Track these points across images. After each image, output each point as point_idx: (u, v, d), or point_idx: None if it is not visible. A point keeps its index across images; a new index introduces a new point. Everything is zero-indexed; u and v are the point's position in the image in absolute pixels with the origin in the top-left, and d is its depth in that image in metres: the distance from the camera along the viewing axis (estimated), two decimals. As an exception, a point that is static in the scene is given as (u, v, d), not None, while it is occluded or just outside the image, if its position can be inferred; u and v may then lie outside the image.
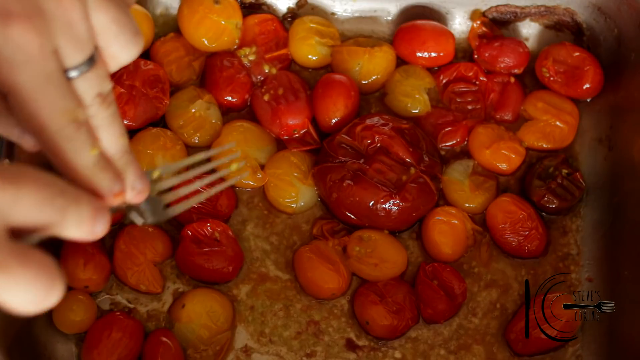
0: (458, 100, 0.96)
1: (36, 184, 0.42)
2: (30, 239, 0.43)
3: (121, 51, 0.49)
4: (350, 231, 0.90)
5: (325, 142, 0.91)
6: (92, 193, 0.48)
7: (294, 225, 0.92)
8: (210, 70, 0.96)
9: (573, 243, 0.92)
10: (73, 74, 0.46)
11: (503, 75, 0.97)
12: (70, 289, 0.84)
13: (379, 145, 0.89)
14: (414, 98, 0.95)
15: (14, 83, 0.44)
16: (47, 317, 0.84)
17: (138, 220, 0.76)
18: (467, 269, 0.90)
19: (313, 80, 0.97)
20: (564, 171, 0.92)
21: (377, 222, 0.88)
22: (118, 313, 0.86)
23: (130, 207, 0.67)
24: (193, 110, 0.93)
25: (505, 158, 0.93)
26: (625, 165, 0.91)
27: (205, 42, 0.95)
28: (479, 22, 0.98)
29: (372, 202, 0.87)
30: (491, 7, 1.00)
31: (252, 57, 0.96)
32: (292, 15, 1.01)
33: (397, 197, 0.87)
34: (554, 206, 0.91)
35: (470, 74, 0.97)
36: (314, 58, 0.98)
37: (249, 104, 0.96)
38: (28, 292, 0.40)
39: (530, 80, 0.99)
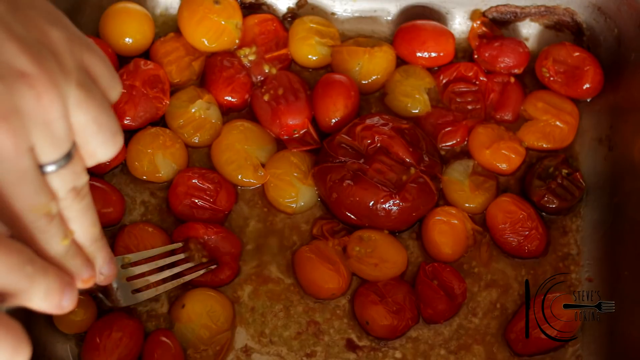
0: (458, 100, 0.96)
1: (8, 249, 0.42)
2: None
3: (99, 150, 0.49)
4: (350, 231, 0.90)
5: (325, 142, 0.91)
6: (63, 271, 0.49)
7: (294, 225, 0.92)
8: (210, 70, 0.96)
9: (573, 243, 0.92)
10: (49, 168, 0.46)
11: (503, 75, 0.97)
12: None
13: (379, 145, 0.89)
14: (414, 98, 0.95)
15: None
16: (47, 317, 0.84)
17: (106, 303, 0.81)
18: (467, 269, 0.90)
19: (313, 80, 0.97)
20: (564, 171, 0.92)
21: (377, 222, 0.88)
22: (118, 313, 0.85)
23: (99, 289, 0.70)
24: (193, 110, 0.93)
25: (505, 158, 0.93)
26: (625, 165, 0.91)
27: (205, 42, 0.95)
28: (479, 22, 0.98)
29: (372, 202, 0.87)
30: (491, 7, 1.00)
31: (252, 57, 0.96)
32: (292, 15, 1.01)
33: (397, 197, 0.87)
34: (554, 206, 0.91)
35: (470, 74, 0.97)
36: (314, 58, 0.97)
37: (249, 104, 0.96)
38: None
39: (530, 80, 0.99)
